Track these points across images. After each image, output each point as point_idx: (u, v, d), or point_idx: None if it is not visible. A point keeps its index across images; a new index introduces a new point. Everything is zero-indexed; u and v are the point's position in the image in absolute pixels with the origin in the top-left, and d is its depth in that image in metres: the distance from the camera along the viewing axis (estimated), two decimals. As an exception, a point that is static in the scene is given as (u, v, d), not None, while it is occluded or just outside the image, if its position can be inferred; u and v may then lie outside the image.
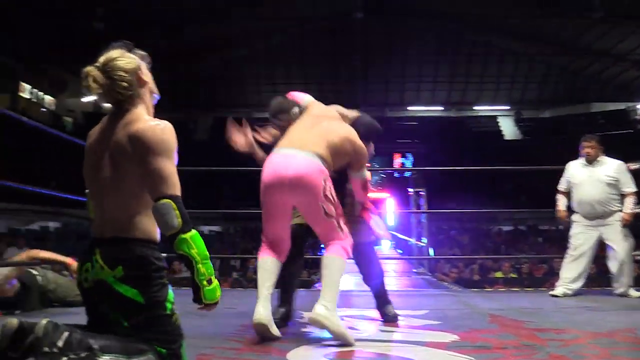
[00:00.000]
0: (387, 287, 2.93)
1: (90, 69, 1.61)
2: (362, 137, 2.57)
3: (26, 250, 4.26)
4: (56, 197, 7.38)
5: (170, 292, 1.61)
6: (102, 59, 1.63)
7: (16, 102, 21.28)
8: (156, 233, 1.63)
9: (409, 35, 19.58)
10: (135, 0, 16.19)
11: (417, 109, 23.84)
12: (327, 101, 2.84)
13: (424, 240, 11.39)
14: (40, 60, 20.38)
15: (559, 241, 12.18)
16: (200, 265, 1.52)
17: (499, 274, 8.02)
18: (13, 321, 1.40)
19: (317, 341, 2.39)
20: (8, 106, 20.65)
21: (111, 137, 1.64)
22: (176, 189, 1.57)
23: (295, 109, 2.63)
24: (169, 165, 1.60)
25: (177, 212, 1.53)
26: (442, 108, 23.59)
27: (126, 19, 16.70)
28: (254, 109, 26.74)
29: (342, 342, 2.21)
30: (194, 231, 1.54)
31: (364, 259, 2.84)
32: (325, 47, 19.86)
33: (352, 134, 2.53)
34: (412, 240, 12.61)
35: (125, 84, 1.64)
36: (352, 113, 2.77)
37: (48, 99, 24.13)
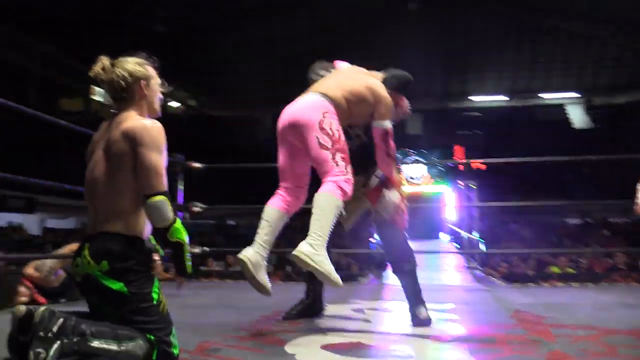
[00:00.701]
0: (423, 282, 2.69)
1: (104, 58, 1.81)
2: (393, 87, 2.48)
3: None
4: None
5: (156, 282, 1.74)
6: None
7: (89, 105, 22.61)
8: (142, 229, 1.75)
9: (471, 22, 19.01)
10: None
11: (480, 99, 23.09)
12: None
13: (475, 234, 11.07)
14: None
15: (628, 234, 11.49)
16: (187, 247, 1.76)
17: (555, 269, 7.68)
18: (21, 308, 1.57)
19: (321, 332, 2.43)
20: (81, 109, 22.03)
21: (105, 137, 1.78)
22: (165, 184, 1.73)
23: (330, 69, 2.63)
24: (161, 162, 1.72)
25: (170, 206, 1.70)
26: (506, 97, 22.71)
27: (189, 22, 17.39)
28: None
29: (327, 283, 2.11)
30: (178, 220, 1.74)
31: (388, 244, 2.65)
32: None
33: (375, 84, 2.44)
34: (465, 234, 12.29)
35: (122, 84, 1.79)
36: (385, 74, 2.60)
37: (118, 100, 25.28)
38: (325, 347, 2.13)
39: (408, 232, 2.69)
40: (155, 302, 1.71)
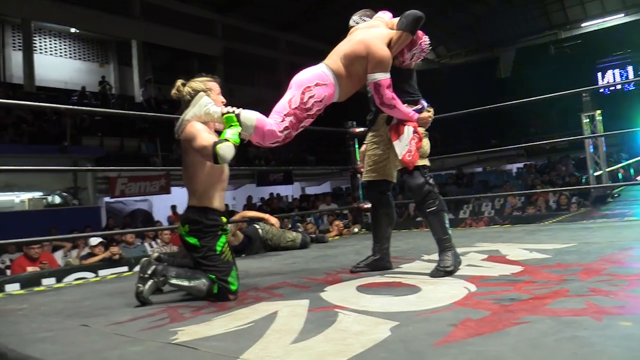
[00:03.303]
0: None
1: (179, 80, 2.56)
2: (403, 28, 2.53)
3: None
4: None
5: (222, 239, 2.46)
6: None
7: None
8: (210, 202, 2.48)
9: None
10: None
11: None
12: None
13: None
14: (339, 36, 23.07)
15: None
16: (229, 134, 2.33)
17: None
18: (147, 258, 2.43)
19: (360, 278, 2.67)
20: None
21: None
22: (206, 139, 2.36)
23: (365, 18, 2.81)
24: (203, 139, 2.37)
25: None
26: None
27: None
28: (560, 29, 24.32)
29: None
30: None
31: (408, 188, 2.73)
32: None
33: (368, 39, 2.54)
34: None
35: (187, 97, 2.52)
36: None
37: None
38: (361, 286, 2.39)
39: None
40: (218, 253, 2.42)
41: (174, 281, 2.36)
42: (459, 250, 2.70)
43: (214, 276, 2.36)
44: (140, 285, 2.31)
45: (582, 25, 23.69)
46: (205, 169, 2.44)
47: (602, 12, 23.07)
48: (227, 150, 2.24)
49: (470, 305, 1.86)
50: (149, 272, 2.33)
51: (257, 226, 4.58)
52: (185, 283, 2.37)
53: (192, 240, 2.43)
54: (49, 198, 12.38)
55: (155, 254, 2.72)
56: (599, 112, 8.78)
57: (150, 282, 2.32)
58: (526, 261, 2.70)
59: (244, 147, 2.98)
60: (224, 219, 2.54)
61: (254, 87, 21.89)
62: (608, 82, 18.60)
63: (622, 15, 22.68)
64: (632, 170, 12.68)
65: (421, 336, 1.53)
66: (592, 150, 9.10)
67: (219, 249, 2.42)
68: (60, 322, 2.09)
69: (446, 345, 1.43)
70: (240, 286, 2.44)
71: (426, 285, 2.29)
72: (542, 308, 1.72)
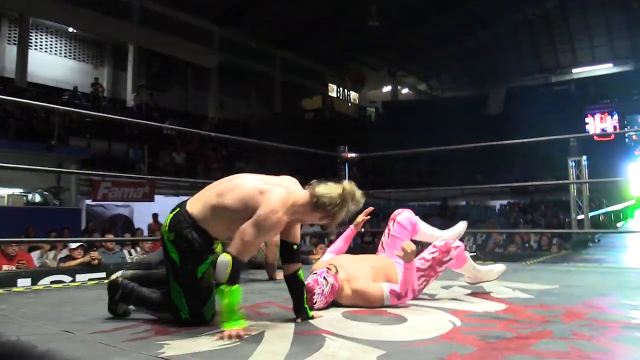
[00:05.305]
0: None
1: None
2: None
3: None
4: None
5: (206, 263, 2.10)
6: None
7: (326, 101, 25.01)
8: (216, 233, 2.15)
9: None
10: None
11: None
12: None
13: None
14: (341, 61, 23.50)
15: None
16: (226, 315, 1.96)
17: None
18: (113, 280, 2.27)
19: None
20: (321, 105, 24.54)
21: None
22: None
23: None
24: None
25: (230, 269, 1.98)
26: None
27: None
28: (551, 73, 24.90)
29: None
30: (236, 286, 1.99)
31: None
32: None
33: None
34: None
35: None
36: None
37: (352, 94, 27.54)
38: (346, 312, 2.40)
39: None
40: (197, 279, 2.10)
41: (143, 310, 2.24)
42: (443, 282, 2.73)
43: (184, 303, 2.11)
44: (112, 307, 2.25)
45: (573, 71, 24.35)
46: (235, 223, 2.07)
47: (591, 60, 23.75)
48: (220, 265, 1.97)
49: (456, 340, 1.88)
50: (117, 297, 2.23)
51: None
52: (151, 313, 2.23)
53: (172, 253, 2.11)
54: (30, 196, 12.18)
55: (119, 273, 2.32)
56: (584, 157, 8.98)
57: (120, 305, 2.24)
58: (510, 300, 2.74)
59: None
60: (220, 247, 2.23)
61: (247, 101, 21.98)
62: (603, 130, 19.09)
63: (611, 65, 23.40)
64: (612, 217, 12.93)
65: (409, 368, 1.54)
66: (575, 194, 9.28)
67: (199, 274, 2.10)
68: (42, 327, 2.05)
69: (434, 379, 1.44)
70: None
71: (412, 316, 2.31)
72: (527, 348, 1.75)
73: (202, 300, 2.11)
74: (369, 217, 3.06)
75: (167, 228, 2.14)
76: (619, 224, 13.52)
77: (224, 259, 1.97)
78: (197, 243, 2.08)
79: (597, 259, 6.36)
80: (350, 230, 3.06)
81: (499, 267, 3.05)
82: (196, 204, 2.15)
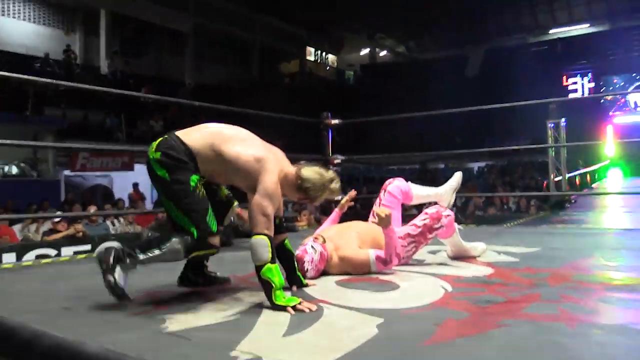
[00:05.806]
0: None
1: None
2: None
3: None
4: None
5: (195, 176, 2.07)
6: None
7: (304, 65, 24.68)
8: (203, 169, 2.09)
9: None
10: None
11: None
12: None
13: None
14: (320, 24, 23.08)
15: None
16: (278, 292, 1.95)
17: None
18: (101, 248, 2.03)
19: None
20: (298, 70, 24.24)
21: None
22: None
23: None
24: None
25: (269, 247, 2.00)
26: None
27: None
28: (529, 34, 24.87)
29: None
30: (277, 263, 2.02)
31: None
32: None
33: None
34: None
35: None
36: None
37: (330, 57, 27.20)
38: (339, 281, 2.45)
39: None
40: (191, 188, 2.05)
41: (143, 257, 2.00)
42: (430, 247, 2.79)
43: (187, 220, 2.04)
44: (109, 277, 1.93)
45: (550, 32, 24.39)
46: (225, 172, 2.15)
47: (568, 21, 23.79)
48: (259, 247, 1.98)
49: (450, 306, 1.94)
50: (112, 259, 1.95)
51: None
52: (157, 252, 2.01)
53: (159, 171, 2.06)
54: (6, 168, 11.93)
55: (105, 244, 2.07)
56: (563, 120, 9.11)
57: (117, 270, 1.95)
58: (496, 263, 2.83)
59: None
60: (224, 191, 2.32)
61: (225, 67, 21.57)
62: (582, 94, 19.31)
63: (588, 25, 23.48)
64: (588, 178, 13.25)
65: (408, 335, 1.60)
66: (553, 155, 9.44)
67: (193, 183, 2.05)
68: (41, 304, 2.06)
69: (434, 345, 1.50)
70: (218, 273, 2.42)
71: (404, 282, 2.37)
72: (519, 312, 1.82)
73: (204, 212, 2.06)
74: (352, 202, 3.15)
75: (154, 149, 2.09)
76: (594, 185, 13.87)
77: (260, 240, 1.98)
78: (184, 163, 2.06)
79: (575, 220, 6.55)
80: (335, 214, 3.11)
81: (482, 246, 3.13)
82: (192, 138, 2.11)
